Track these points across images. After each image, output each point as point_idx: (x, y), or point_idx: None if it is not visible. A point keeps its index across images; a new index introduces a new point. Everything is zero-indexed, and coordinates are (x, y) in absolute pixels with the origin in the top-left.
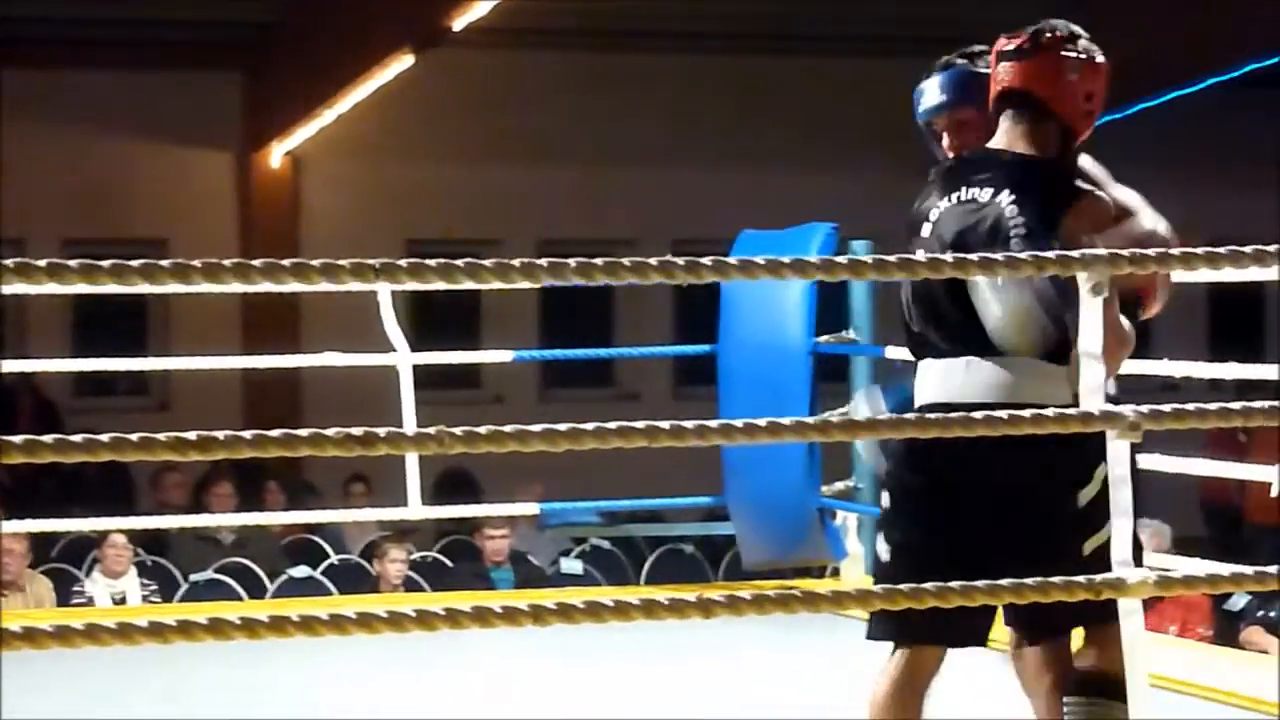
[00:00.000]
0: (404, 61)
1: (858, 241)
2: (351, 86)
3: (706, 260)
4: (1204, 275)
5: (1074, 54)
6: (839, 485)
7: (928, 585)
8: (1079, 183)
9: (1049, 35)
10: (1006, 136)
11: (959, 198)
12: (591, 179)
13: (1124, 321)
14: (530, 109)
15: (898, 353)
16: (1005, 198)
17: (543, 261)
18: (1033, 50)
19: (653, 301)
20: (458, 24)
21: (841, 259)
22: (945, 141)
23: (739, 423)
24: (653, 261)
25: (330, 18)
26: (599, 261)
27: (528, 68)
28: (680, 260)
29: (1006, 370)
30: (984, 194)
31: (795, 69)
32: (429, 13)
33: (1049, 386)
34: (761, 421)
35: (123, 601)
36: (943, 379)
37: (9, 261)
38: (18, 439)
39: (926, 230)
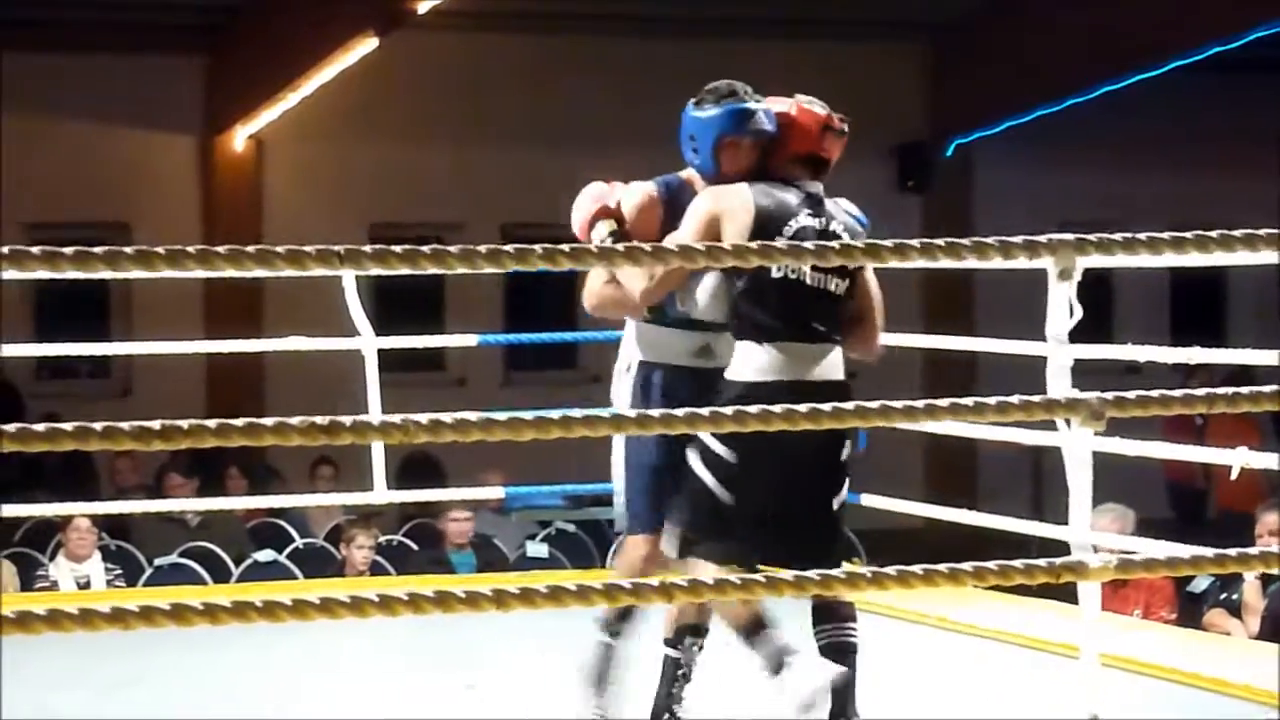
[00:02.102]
0: (368, 44)
1: None
2: (315, 69)
3: (672, 246)
4: (1170, 260)
5: None
6: None
7: (889, 570)
8: None
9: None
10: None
11: (821, 226)
12: (556, 162)
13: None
14: (494, 92)
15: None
16: (846, 235)
17: (509, 248)
18: (844, 134)
19: None
20: (422, 7)
21: (808, 244)
22: (732, 157)
23: (704, 411)
24: (620, 247)
25: (293, 0)
26: (565, 248)
27: (492, 50)
28: (647, 246)
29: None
30: (836, 226)
31: (759, 54)
32: None
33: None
34: (727, 410)
35: (87, 585)
36: (824, 361)
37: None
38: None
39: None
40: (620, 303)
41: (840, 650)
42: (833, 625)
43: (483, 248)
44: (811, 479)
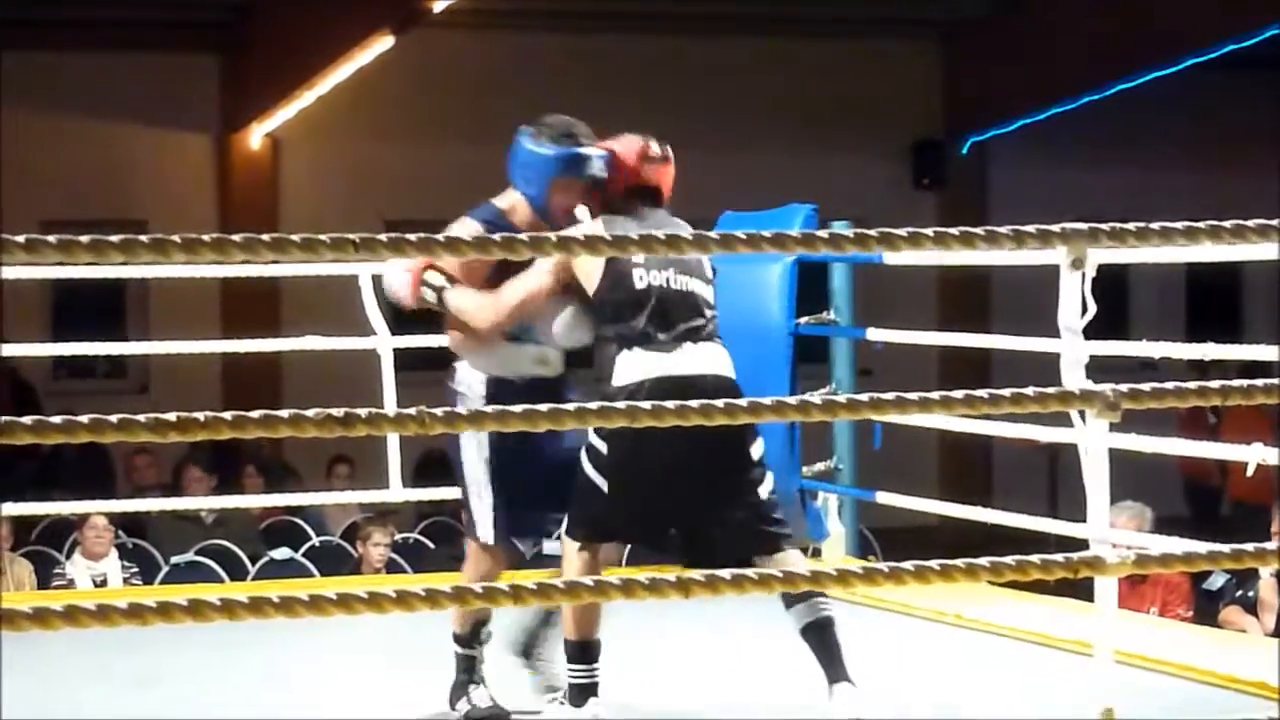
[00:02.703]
0: (383, 43)
1: (838, 222)
2: (331, 68)
3: (686, 235)
4: (1187, 254)
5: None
6: (819, 466)
7: (906, 565)
8: None
9: (667, 149)
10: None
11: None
12: None
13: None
14: (509, 90)
15: (879, 334)
16: (699, 263)
17: (523, 236)
18: (665, 160)
19: None
20: (437, 6)
21: (821, 233)
22: (563, 196)
23: (720, 403)
24: (633, 235)
25: None
26: (580, 235)
27: (506, 49)
28: (660, 234)
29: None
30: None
31: (776, 52)
32: None
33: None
34: (743, 401)
35: (104, 584)
36: (713, 358)
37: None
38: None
39: (645, 260)
40: (472, 338)
41: (820, 626)
42: (804, 605)
43: (498, 236)
44: (699, 471)
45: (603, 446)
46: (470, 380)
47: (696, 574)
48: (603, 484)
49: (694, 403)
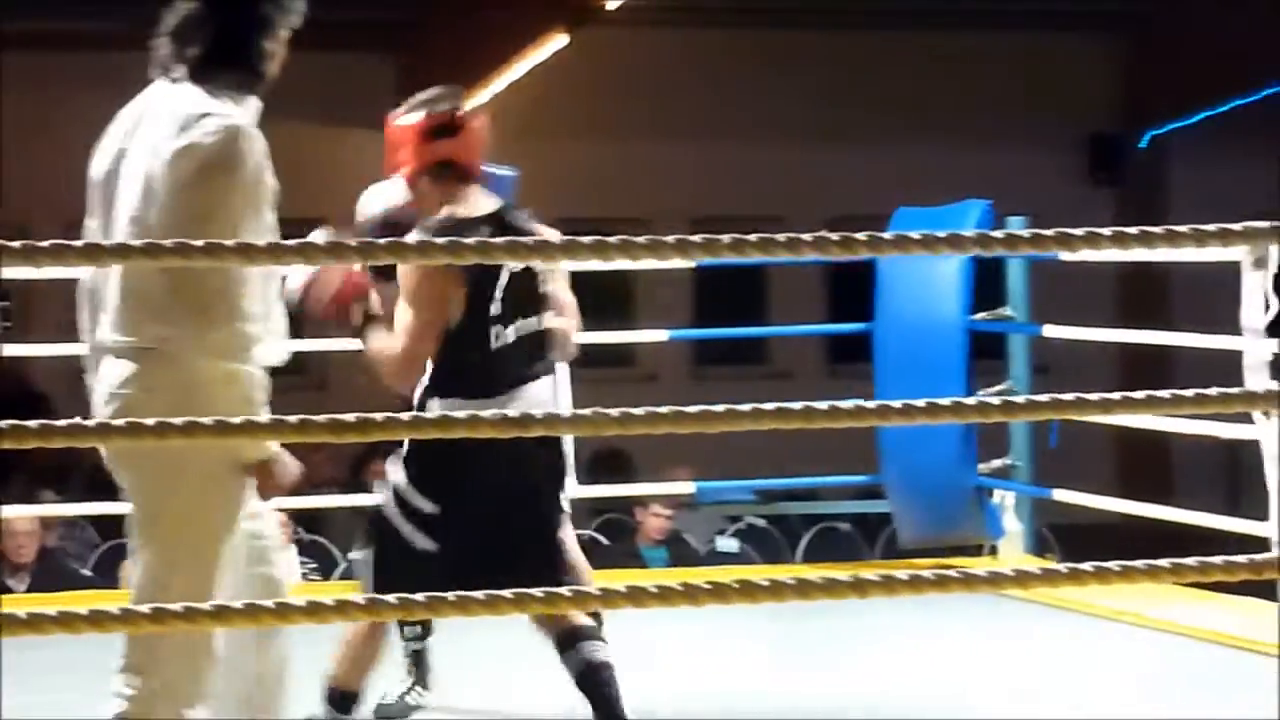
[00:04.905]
0: (558, 41)
1: (1014, 218)
2: (505, 66)
3: (861, 236)
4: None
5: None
6: (996, 463)
7: (1085, 566)
8: None
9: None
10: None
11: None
12: (744, 156)
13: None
14: (681, 87)
15: (1055, 331)
16: None
17: (697, 238)
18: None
19: (806, 280)
20: (611, 3)
21: (997, 233)
22: None
23: (896, 404)
24: (807, 238)
25: None
26: (752, 238)
27: (680, 46)
28: (834, 236)
29: None
30: None
31: (951, 45)
32: None
33: None
34: (920, 403)
35: None
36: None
37: (16, 243)
38: (5, 424)
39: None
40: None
41: (595, 670)
42: (578, 648)
43: (671, 238)
44: (533, 521)
45: (428, 505)
46: None
47: (814, 576)
48: (428, 544)
49: (895, 403)
